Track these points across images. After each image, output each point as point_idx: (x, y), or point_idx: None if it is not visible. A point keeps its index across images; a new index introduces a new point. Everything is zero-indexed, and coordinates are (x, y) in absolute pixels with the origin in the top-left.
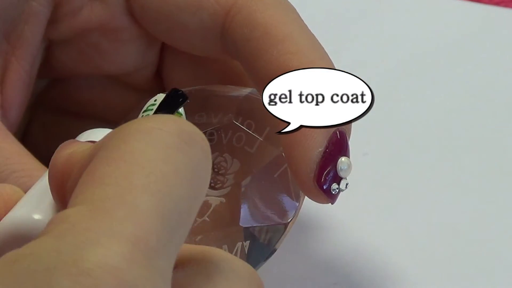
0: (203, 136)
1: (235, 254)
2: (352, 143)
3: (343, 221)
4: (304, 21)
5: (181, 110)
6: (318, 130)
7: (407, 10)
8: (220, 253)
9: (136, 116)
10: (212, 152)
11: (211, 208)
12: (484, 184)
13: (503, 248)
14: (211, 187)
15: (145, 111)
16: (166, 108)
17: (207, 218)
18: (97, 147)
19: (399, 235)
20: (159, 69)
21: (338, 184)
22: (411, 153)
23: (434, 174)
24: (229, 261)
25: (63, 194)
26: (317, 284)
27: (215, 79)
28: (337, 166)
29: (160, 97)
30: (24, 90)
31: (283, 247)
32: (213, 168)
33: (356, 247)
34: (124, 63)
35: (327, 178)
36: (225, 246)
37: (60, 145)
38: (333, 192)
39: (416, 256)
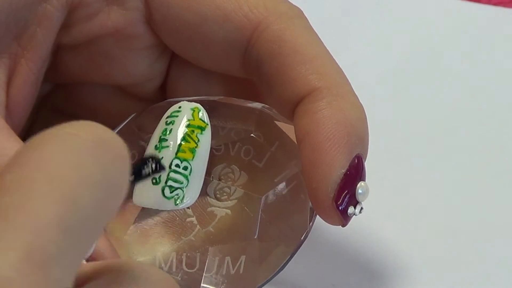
0: (122, 144)
1: (239, 267)
2: None
3: None
4: None
5: (207, 119)
6: (341, 151)
7: (407, 10)
8: (132, 263)
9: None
10: (220, 163)
11: (216, 219)
12: (484, 183)
13: (504, 247)
14: (217, 198)
15: (168, 116)
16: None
17: (211, 229)
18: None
19: (398, 235)
20: (164, 81)
21: (354, 207)
22: (410, 153)
23: (433, 174)
24: (142, 268)
25: None
26: (316, 285)
27: (218, 94)
28: (356, 190)
29: (185, 105)
30: (31, 93)
31: None
32: (219, 179)
33: (355, 247)
34: (133, 73)
35: (344, 200)
36: (228, 258)
37: None
38: (349, 215)
39: (415, 256)
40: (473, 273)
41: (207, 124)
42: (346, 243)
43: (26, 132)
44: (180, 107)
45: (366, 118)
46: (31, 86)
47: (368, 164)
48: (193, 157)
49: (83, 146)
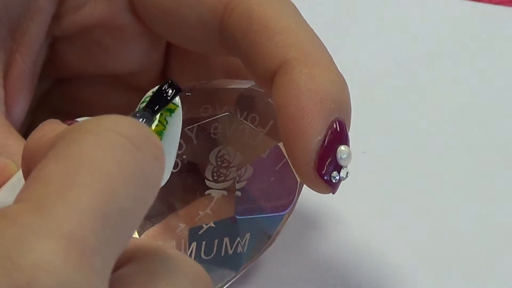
0: (158, 141)
1: (236, 247)
2: (350, 141)
3: (342, 220)
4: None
5: (177, 101)
6: (315, 119)
7: (407, 10)
8: (167, 251)
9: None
10: (216, 145)
11: (213, 201)
12: (483, 182)
13: (504, 247)
14: (214, 180)
15: (142, 102)
16: (159, 100)
17: (209, 211)
18: (55, 139)
19: (398, 234)
20: (164, 70)
21: (339, 173)
22: (410, 151)
23: (433, 172)
24: (176, 259)
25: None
26: (316, 285)
27: (221, 77)
28: (336, 155)
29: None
30: (28, 87)
31: (282, 247)
32: (216, 161)
33: (355, 247)
34: (129, 61)
35: (327, 167)
36: (226, 239)
37: (40, 125)
38: (334, 181)
39: (415, 255)
40: (473, 273)
41: (177, 106)
42: (346, 243)
43: (25, 134)
44: (153, 92)
45: (343, 82)
46: (27, 80)
47: (367, 162)
48: (160, 139)
49: (120, 143)
